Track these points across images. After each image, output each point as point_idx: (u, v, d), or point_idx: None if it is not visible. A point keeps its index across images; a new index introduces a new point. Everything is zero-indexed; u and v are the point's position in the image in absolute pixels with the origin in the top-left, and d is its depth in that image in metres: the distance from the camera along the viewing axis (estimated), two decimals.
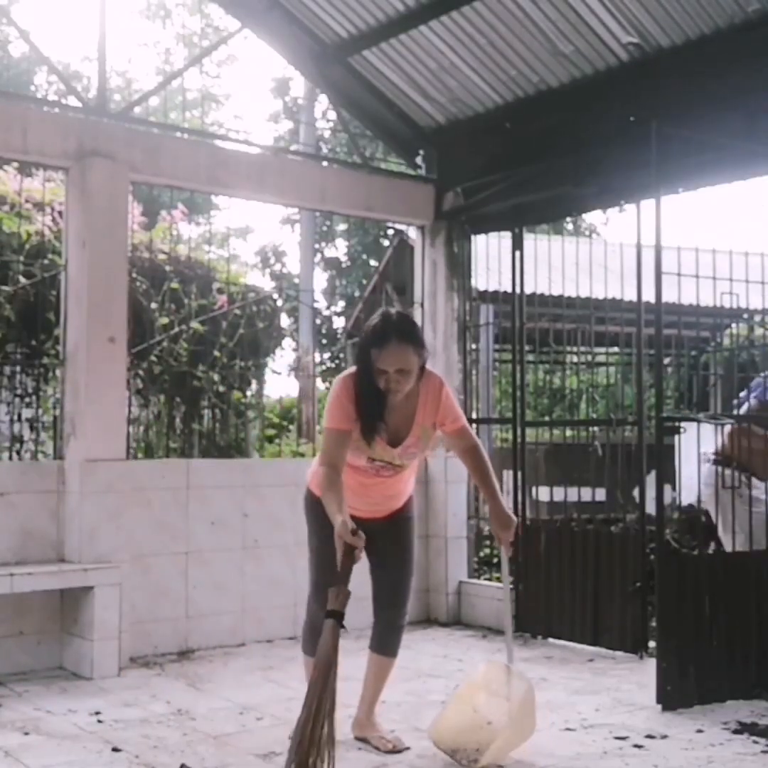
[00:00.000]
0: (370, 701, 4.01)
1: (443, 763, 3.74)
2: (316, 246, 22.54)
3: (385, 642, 3.98)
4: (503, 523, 3.90)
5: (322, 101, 19.12)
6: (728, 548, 5.42)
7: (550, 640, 6.03)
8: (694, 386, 10.07)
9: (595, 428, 6.90)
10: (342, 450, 3.65)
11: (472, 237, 6.98)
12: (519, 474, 6.37)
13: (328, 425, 3.68)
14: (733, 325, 10.20)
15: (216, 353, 7.31)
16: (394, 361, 3.55)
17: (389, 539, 3.91)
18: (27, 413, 6.14)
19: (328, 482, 3.58)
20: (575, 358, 9.52)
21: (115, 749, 3.89)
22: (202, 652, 5.65)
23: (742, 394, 5.95)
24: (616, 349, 10.08)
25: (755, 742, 4.00)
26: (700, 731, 4.14)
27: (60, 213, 6.16)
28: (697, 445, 5.12)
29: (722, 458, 5.42)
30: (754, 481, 5.50)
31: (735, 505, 5.26)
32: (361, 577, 6.23)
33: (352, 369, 3.75)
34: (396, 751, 3.83)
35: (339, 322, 22.49)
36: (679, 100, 5.33)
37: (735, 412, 5.87)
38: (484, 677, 3.96)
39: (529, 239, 6.44)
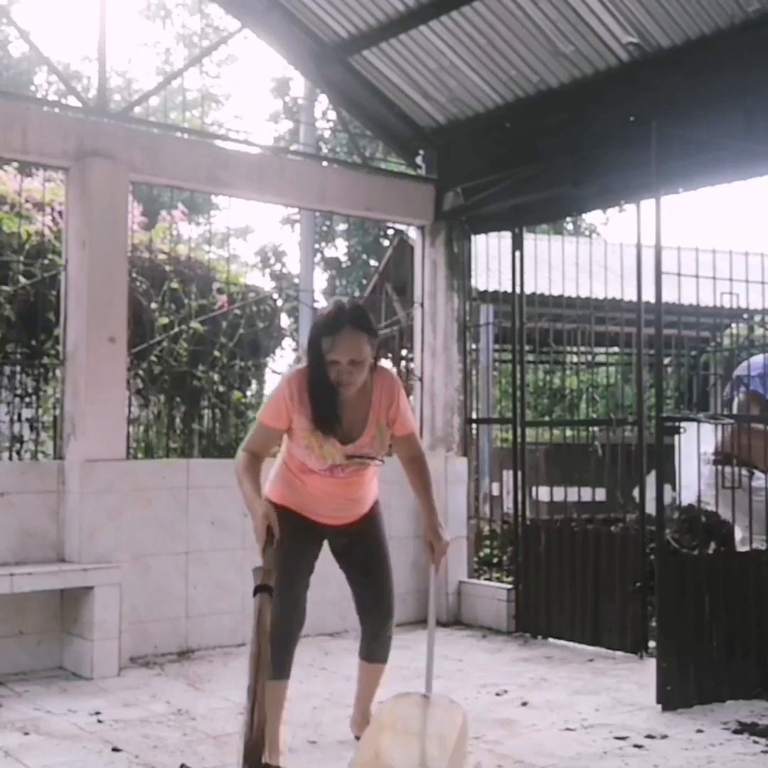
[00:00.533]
0: (365, 703, 3.96)
1: None
2: (316, 246, 22.52)
3: (375, 652, 3.89)
4: (436, 538, 3.69)
5: (322, 101, 19.10)
6: (744, 545, 5.36)
7: (550, 640, 6.03)
8: (694, 386, 10.08)
9: (595, 428, 6.90)
10: (267, 444, 3.60)
11: (472, 237, 6.98)
12: (519, 474, 6.37)
13: (261, 419, 3.58)
14: (733, 325, 10.22)
15: (216, 353, 7.31)
16: (348, 349, 3.35)
17: (361, 547, 3.81)
18: (27, 413, 6.14)
19: (244, 465, 3.50)
20: (575, 358, 9.53)
21: (115, 749, 3.89)
22: (202, 652, 5.65)
23: (726, 389, 5.92)
24: (616, 349, 10.09)
25: (755, 742, 4.00)
26: (700, 731, 4.15)
27: (60, 213, 6.16)
28: (697, 445, 5.12)
29: (722, 457, 5.41)
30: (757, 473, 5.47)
31: (739, 502, 5.23)
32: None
33: (300, 366, 3.58)
34: None
35: None
36: (679, 100, 5.33)
37: (725, 409, 5.86)
38: (390, 715, 3.46)
39: (529, 239, 6.44)
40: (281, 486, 3.70)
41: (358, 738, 3.92)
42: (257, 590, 3.20)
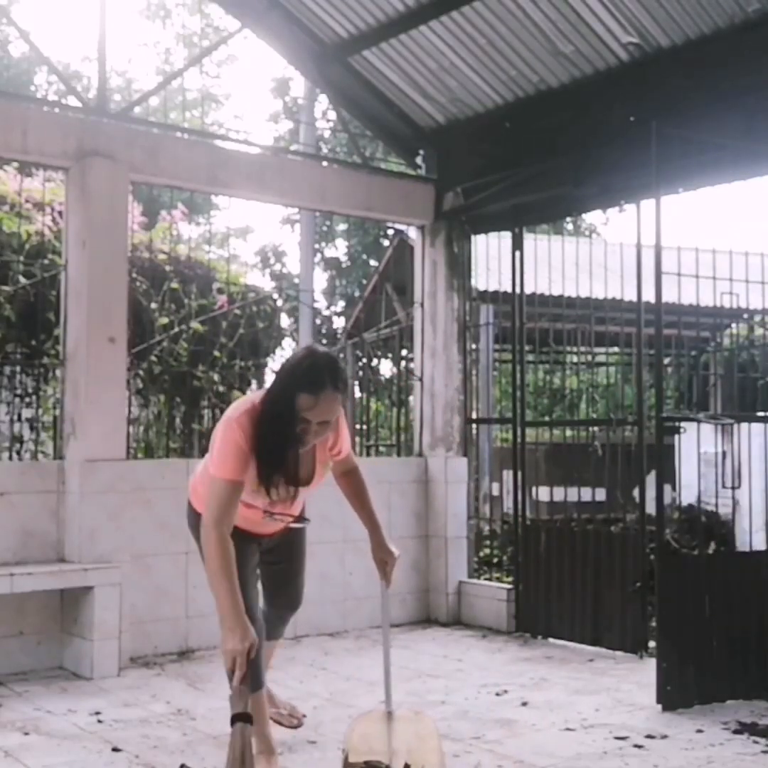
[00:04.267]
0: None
1: None
2: (316, 246, 22.52)
3: (278, 632, 4.00)
4: (385, 555, 3.59)
5: (322, 101, 19.11)
6: None
7: (550, 640, 6.03)
8: (694, 386, 10.08)
9: (595, 428, 6.90)
10: (236, 505, 3.15)
11: (472, 237, 6.98)
12: (519, 474, 6.37)
13: (224, 476, 3.11)
14: (733, 325, 10.22)
15: (216, 353, 7.31)
16: (325, 412, 3.08)
17: (282, 547, 3.76)
18: (27, 413, 6.14)
19: (220, 555, 3.03)
20: (575, 358, 9.53)
21: (115, 749, 3.89)
22: (202, 652, 5.64)
23: None
24: (616, 349, 10.09)
25: (755, 742, 4.00)
26: (700, 731, 4.14)
27: (60, 213, 6.16)
28: (697, 445, 5.13)
29: None
30: None
31: None
32: (361, 579, 6.25)
33: (245, 406, 3.20)
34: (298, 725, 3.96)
35: (339, 322, 22.49)
36: (679, 100, 5.33)
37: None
38: (357, 739, 3.30)
39: (529, 239, 6.44)
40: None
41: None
42: (236, 719, 2.91)
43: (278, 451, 3.17)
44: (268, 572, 3.83)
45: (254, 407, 3.19)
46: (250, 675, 3.01)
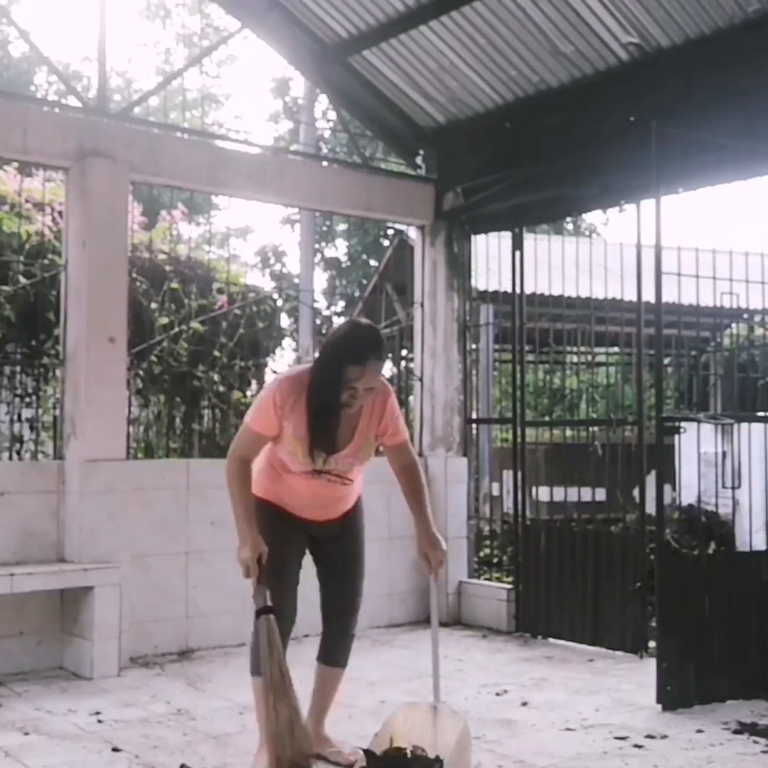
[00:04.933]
0: (318, 715, 3.77)
1: None
2: (316, 246, 22.52)
3: (336, 653, 3.73)
4: (432, 545, 3.60)
5: (322, 101, 19.12)
6: None
7: (550, 640, 6.03)
8: (694, 386, 10.08)
9: (595, 428, 6.90)
10: (258, 450, 3.55)
11: (472, 237, 6.98)
12: (519, 474, 6.37)
13: (252, 426, 3.50)
14: (733, 325, 10.21)
15: (216, 353, 7.30)
16: (371, 379, 3.36)
17: (338, 544, 3.73)
18: (27, 413, 6.14)
19: (239, 476, 3.50)
20: (575, 358, 9.53)
21: (115, 749, 3.89)
22: (202, 652, 5.65)
23: None
24: (616, 349, 10.08)
25: (755, 742, 4.00)
26: (700, 731, 4.14)
27: (60, 213, 6.16)
28: (697, 445, 5.13)
29: None
30: None
31: None
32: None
33: (293, 373, 3.53)
34: (353, 764, 3.52)
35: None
36: (679, 100, 5.33)
37: None
38: (403, 724, 3.39)
39: (529, 239, 6.44)
40: (265, 480, 3.63)
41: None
42: (260, 613, 3.25)
43: (320, 417, 3.42)
44: (323, 570, 3.78)
45: (301, 377, 3.47)
46: (255, 657, 3.43)
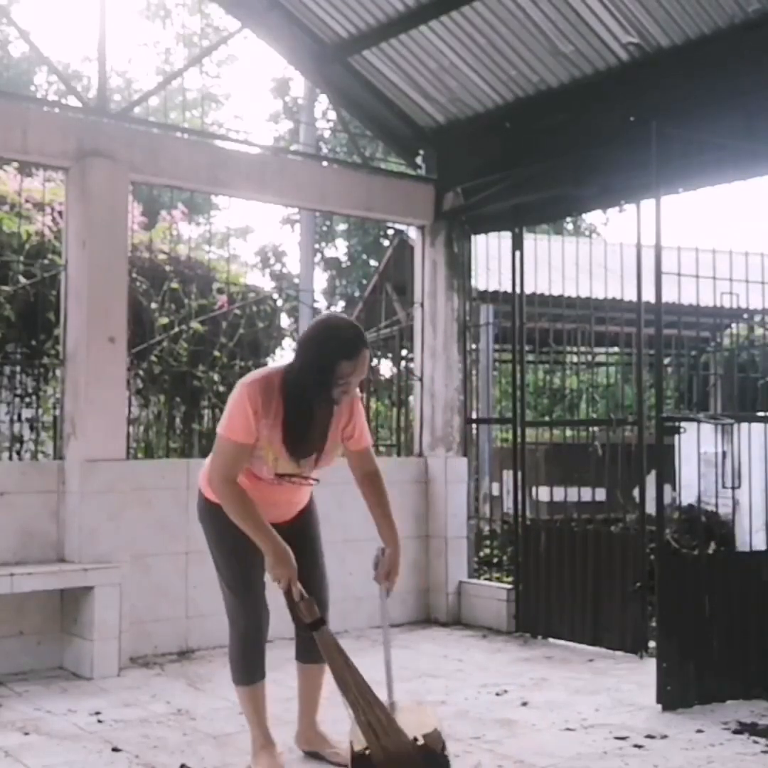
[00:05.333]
0: (311, 714, 3.81)
1: None
2: (316, 246, 22.52)
3: (313, 650, 3.50)
4: (392, 570, 3.56)
5: (322, 101, 19.12)
6: None
7: (550, 640, 6.03)
8: (694, 386, 10.08)
9: (595, 428, 6.90)
10: (242, 465, 3.36)
11: (472, 237, 6.98)
12: (519, 474, 6.37)
13: (231, 437, 3.32)
14: (733, 325, 10.22)
15: (216, 353, 7.31)
16: (363, 369, 3.31)
17: (297, 540, 3.52)
18: (27, 413, 6.14)
19: (239, 502, 3.32)
20: (575, 358, 9.53)
21: (115, 749, 3.89)
22: (202, 652, 5.65)
23: None
24: (616, 349, 10.08)
25: (755, 742, 4.00)
26: (700, 731, 4.14)
27: (60, 213, 6.16)
28: (697, 445, 5.13)
29: None
30: None
31: None
32: (361, 579, 6.24)
33: (258, 377, 3.38)
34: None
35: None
36: (679, 100, 5.33)
37: None
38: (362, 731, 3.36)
39: (529, 239, 6.44)
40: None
41: (309, 754, 3.79)
42: (314, 626, 3.30)
43: (303, 416, 3.36)
44: None
45: (270, 379, 3.36)
46: (241, 669, 3.64)
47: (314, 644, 3.51)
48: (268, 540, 3.30)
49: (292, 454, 3.38)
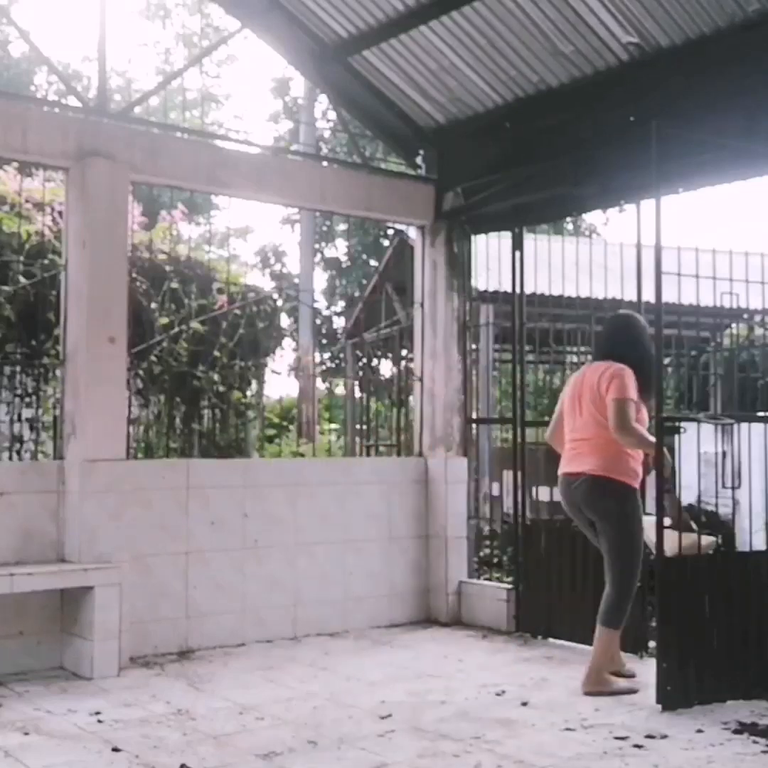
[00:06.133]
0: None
1: (444, 763, 3.74)
2: (316, 246, 22.56)
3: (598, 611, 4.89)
4: None
5: (322, 101, 19.17)
6: None
7: (550, 640, 6.03)
8: (694, 386, 10.07)
9: None
10: (634, 414, 4.72)
11: (472, 237, 6.98)
12: (519, 474, 6.37)
13: (632, 396, 4.70)
14: (733, 325, 10.22)
15: (216, 353, 7.31)
16: None
17: None
18: (27, 413, 6.14)
19: (639, 433, 4.67)
20: (575, 358, 9.52)
21: (115, 749, 3.89)
22: (202, 652, 5.65)
23: None
24: None
25: (755, 742, 4.00)
26: (700, 731, 4.14)
27: (60, 213, 6.16)
28: (697, 445, 5.12)
29: None
30: None
31: None
32: (361, 579, 6.24)
33: (621, 365, 4.84)
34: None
35: (339, 322, 22.50)
36: (679, 100, 5.33)
37: None
38: None
39: (529, 239, 6.44)
40: (628, 461, 4.81)
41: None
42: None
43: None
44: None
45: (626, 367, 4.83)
46: (620, 618, 4.85)
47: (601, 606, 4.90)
48: (653, 442, 4.59)
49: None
